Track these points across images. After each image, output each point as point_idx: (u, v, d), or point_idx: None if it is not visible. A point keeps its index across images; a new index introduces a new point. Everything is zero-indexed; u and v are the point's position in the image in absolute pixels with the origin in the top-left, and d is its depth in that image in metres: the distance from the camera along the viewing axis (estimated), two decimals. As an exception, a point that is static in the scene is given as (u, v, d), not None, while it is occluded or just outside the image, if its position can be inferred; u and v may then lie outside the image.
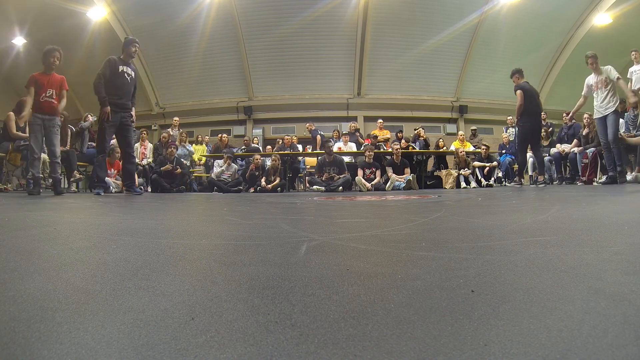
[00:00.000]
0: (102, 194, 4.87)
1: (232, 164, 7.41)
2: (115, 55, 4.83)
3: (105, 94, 4.60)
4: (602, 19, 10.48)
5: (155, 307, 0.54)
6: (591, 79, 5.66)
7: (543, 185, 6.11)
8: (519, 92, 5.83)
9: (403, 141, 8.34)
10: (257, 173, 7.22)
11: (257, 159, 7.41)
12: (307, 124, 9.60)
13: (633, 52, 6.20)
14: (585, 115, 6.55)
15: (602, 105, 5.49)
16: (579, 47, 11.04)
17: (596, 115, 5.64)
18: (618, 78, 5.40)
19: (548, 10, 10.58)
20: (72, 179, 6.43)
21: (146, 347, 0.41)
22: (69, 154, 6.38)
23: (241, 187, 7.19)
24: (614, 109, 5.41)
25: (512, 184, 6.28)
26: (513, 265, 0.76)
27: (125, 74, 4.80)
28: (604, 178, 6.12)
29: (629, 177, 5.69)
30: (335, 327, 0.46)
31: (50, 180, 7.02)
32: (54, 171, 4.78)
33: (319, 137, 8.79)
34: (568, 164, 7.12)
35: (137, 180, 7.17)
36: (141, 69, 11.80)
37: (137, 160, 7.70)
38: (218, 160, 7.66)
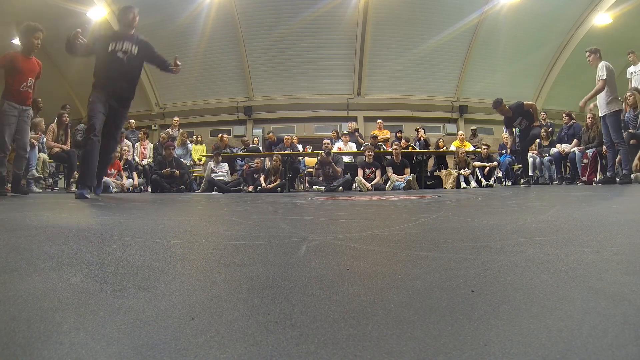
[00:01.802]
0: (88, 196, 3.36)
1: (223, 162, 7.43)
2: (110, 31, 3.63)
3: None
4: (602, 19, 10.48)
5: (155, 307, 0.54)
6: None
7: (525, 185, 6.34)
8: (534, 104, 6.32)
9: (403, 141, 8.35)
10: (255, 175, 7.26)
11: (257, 163, 7.44)
12: (269, 133, 9.61)
13: (629, 54, 6.18)
14: (589, 115, 6.54)
15: (600, 103, 5.24)
16: (579, 47, 11.04)
17: (600, 113, 5.41)
18: (600, 79, 5.09)
19: (548, 10, 10.58)
20: (72, 180, 6.43)
21: (146, 347, 0.41)
22: (69, 154, 6.37)
23: (241, 187, 7.20)
24: (609, 110, 5.14)
25: (525, 184, 6.35)
26: (513, 265, 0.76)
27: (119, 53, 3.50)
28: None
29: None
30: (335, 327, 0.46)
31: (51, 180, 7.04)
32: (19, 167, 4.14)
33: (287, 137, 8.81)
34: (568, 164, 7.13)
35: (137, 180, 7.18)
36: (141, 69, 11.80)
37: (137, 159, 7.71)
38: (211, 162, 7.67)
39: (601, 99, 5.20)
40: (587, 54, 5.39)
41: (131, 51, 3.56)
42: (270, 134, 9.51)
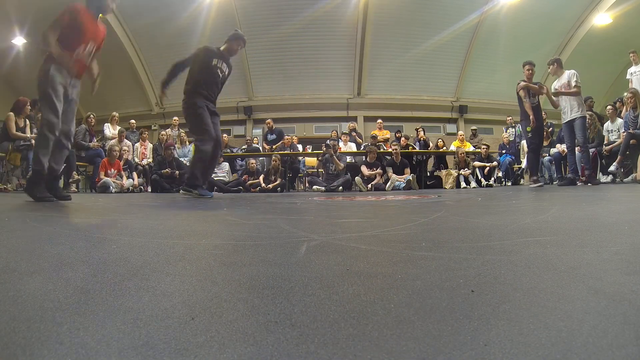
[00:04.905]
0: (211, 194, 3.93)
1: (224, 162, 7.47)
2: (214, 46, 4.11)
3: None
4: (602, 19, 10.47)
5: (155, 307, 0.54)
6: (555, 84, 5.68)
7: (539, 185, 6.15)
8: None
9: (403, 139, 8.36)
10: (251, 179, 7.30)
11: (251, 164, 7.45)
12: (267, 120, 9.38)
13: (631, 54, 6.20)
14: (588, 116, 6.53)
15: (569, 107, 5.49)
16: (579, 47, 11.04)
17: (562, 120, 5.71)
18: (576, 86, 5.33)
19: (548, 10, 10.58)
20: (70, 180, 6.42)
21: (146, 347, 0.41)
22: (68, 155, 6.36)
23: (242, 187, 7.22)
24: (580, 114, 5.41)
25: (535, 184, 6.18)
26: (513, 265, 0.76)
27: (219, 70, 4.04)
28: (603, 177, 6.14)
29: (629, 178, 5.72)
30: (335, 327, 0.46)
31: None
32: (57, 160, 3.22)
33: (287, 137, 8.76)
34: (568, 164, 7.12)
35: (137, 180, 7.18)
36: (141, 68, 11.79)
37: (137, 160, 7.71)
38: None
39: (572, 103, 5.42)
40: (549, 65, 5.61)
41: (225, 71, 4.15)
42: (269, 120, 9.34)
